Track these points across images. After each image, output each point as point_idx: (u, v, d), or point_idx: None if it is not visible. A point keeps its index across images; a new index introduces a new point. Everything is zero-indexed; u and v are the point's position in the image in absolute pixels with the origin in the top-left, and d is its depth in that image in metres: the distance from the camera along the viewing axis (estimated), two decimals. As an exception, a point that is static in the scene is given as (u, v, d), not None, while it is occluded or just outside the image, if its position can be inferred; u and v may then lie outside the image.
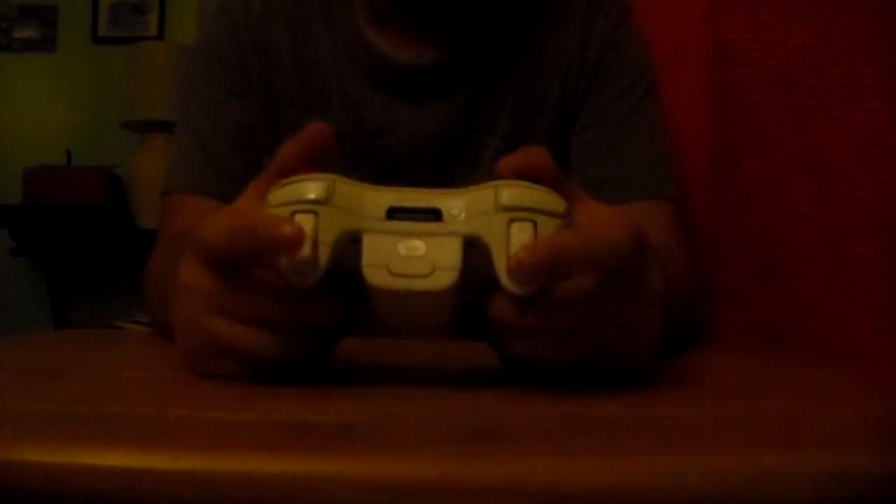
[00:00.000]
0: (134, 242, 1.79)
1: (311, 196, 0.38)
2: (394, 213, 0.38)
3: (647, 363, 0.42)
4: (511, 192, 0.37)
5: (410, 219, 0.38)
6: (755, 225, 0.78)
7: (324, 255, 0.37)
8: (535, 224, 0.37)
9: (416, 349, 0.42)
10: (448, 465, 0.27)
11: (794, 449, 0.30)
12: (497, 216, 0.37)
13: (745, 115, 0.79)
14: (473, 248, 0.38)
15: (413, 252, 0.37)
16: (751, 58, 0.77)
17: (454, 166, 0.77)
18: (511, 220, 0.37)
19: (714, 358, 0.60)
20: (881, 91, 0.63)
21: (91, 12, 2.80)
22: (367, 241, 0.37)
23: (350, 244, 0.38)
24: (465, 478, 0.26)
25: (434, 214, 0.38)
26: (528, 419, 0.34)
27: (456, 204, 0.38)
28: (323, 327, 0.39)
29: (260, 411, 0.34)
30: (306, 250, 0.36)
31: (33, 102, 2.80)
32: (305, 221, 0.37)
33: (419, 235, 0.37)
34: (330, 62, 0.77)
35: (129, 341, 0.67)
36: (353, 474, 0.26)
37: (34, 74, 2.81)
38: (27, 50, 2.82)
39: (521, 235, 0.37)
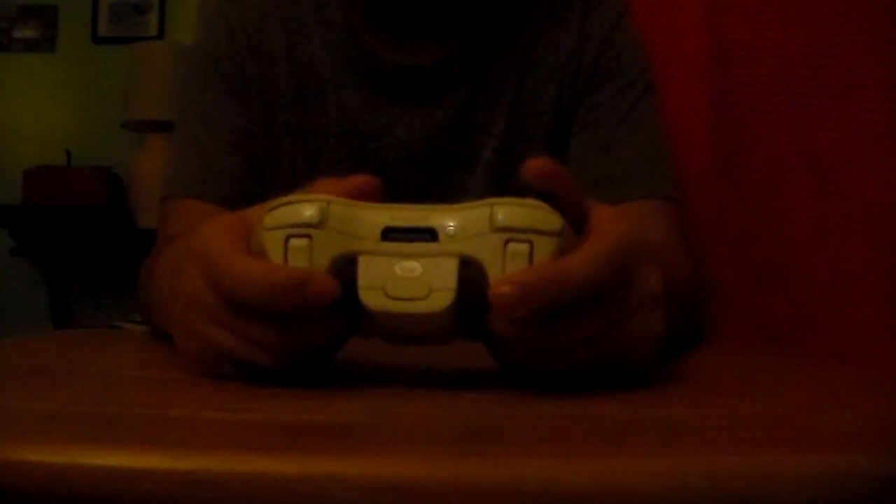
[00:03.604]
0: (134, 242, 1.79)
1: (306, 219, 0.38)
2: (389, 233, 0.38)
3: (649, 365, 0.42)
4: (506, 212, 0.37)
5: (406, 239, 0.38)
6: (755, 225, 0.78)
7: None
8: (531, 245, 0.37)
9: (417, 349, 0.42)
10: (448, 465, 0.27)
11: (794, 449, 0.30)
12: (492, 237, 0.37)
13: (745, 115, 0.79)
14: (471, 264, 0.37)
15: (409, 273, 0.37)
16: (750, 58, 0.77)
17: (451, 168, 0.77)
18: (507, 241, 0.37)
19: (714, 358, 0.60)
20: (880, 91, 0.63)
21: (91, 12, 2.80)
22: (363, 264, 0.37)
23: (347, 263, 0.38)
24: (465, 478, 0.26)
25: (429, 234, 0.38)
26: (527, 419, 0.34)
27: (451, 223, 0.38)
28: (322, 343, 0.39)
29: (260, 411, 0.34)
30: None
31: (33, 102, 2.81)
32: (300, 246, 0.37)
33: (415, 256, 0.37)
34: (326, 64, 0.77)
35: (129, 341, 0.67)
36: (353, 474, 0.26)
37: (34, 74, 2.81)
38: (27, 50, 2.82)
39: (516, 258, 0.36)
